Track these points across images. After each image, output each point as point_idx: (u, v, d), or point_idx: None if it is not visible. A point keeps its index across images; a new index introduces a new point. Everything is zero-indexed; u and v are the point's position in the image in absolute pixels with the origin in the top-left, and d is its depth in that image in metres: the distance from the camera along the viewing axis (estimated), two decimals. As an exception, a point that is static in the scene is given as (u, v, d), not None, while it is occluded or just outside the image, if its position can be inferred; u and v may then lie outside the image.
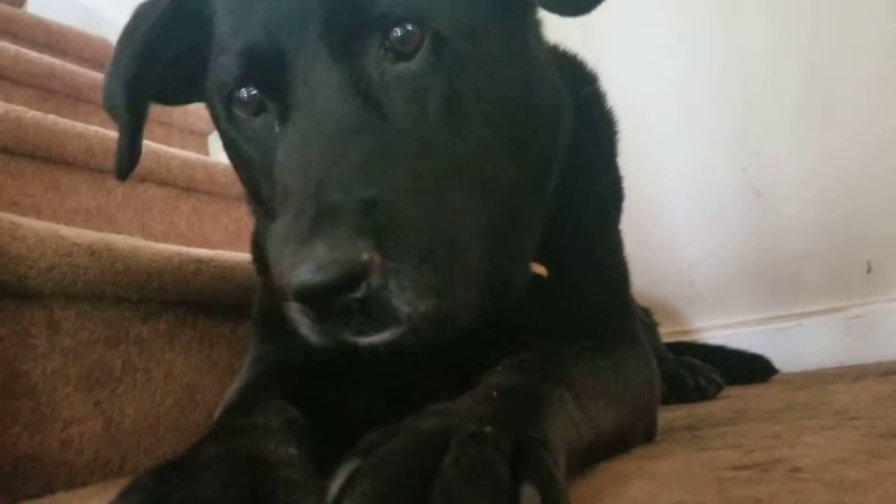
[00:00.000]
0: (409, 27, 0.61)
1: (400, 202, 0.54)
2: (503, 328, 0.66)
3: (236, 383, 0.80)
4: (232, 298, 1.23)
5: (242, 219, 1.87)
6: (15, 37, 2.29)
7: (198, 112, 2.33)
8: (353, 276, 0.49)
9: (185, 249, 1.21)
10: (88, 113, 2.01)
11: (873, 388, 1.13)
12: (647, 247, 1.96)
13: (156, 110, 0.82)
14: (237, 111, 0.67)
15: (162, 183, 1.74)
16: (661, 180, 2.07)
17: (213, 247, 1.54)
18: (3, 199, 1.40)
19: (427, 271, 0.53)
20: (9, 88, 1.93)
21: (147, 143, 0.84)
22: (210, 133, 2.51)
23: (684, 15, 2.05)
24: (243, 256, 1.22)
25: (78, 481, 0.98)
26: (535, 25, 0.77)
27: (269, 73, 0.63)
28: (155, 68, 0.76)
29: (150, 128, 0.81)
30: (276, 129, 0.65)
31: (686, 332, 2.05)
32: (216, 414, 0.70)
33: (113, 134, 1.51)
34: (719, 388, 1.43)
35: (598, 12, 0.66)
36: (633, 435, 0.75)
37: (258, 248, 0.93)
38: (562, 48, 0.91)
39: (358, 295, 0.51)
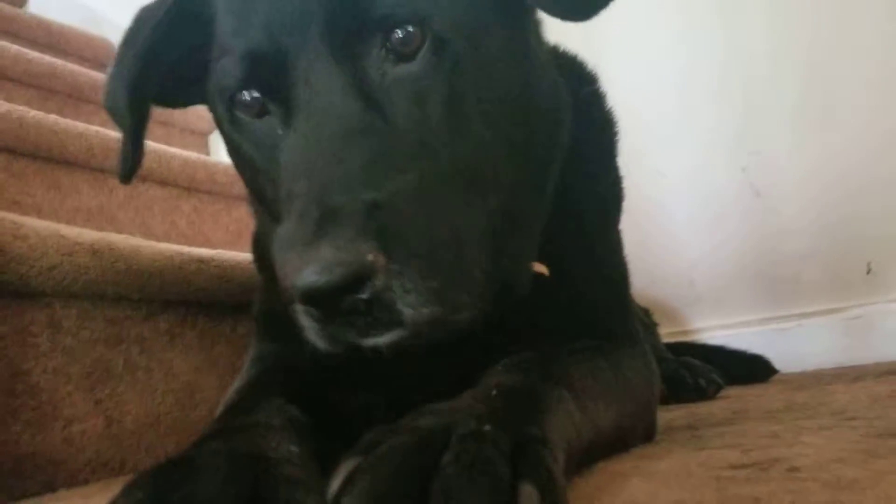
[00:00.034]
0: (411, 28, 0.61)
1: (403, 204, 0.54)
2: (503, 328, 0.66)
3: (237, 382, 0.80)
4: (232, 298, 1.24)
5: (243, 218, 1.88)
6: (16, 37, 2.30)
7: (198, 112, 2.33)
8: (359, 277, 0.50)
9: (185, 249, 1.22)
10: (89, 113, 2.01)
11: (872, 389, 1.14)
12: (647, 247, 1.96)
13: (156, 110, 0.82)
14: (239, 114, 0.68)
15: (163, 182, 1.75)
16: (661, 180, 2.07)
17: (213, 246, 1.54)
18: (5, 198, 1.40)
19: (431, 273, 0.54)
20: (10, 88, 1.94)
21: (148, 143, 0.84)
22: (210, 133, 2.51)
23: (684, 15, 2.06)
24: (244, 256, 1.22)
25: (79, 479, 0.98)
26: (535, 26, 0.77)
27: (270, 75, 0.63)
28: (157, 70, 0.76)
29: (150, 128, 0.81)
30: (279, 131, 0.65)
31: (686, 333, 2.05)
32: (217, 412, 0.70)
33: (114, 134, 1.52)
34: (719, 389, 1.43)
35: (598, 13, 0.66)
36: (633, 434, 0.75)
37: (259, 247, 0.93)
38: (562, 48, 0.91)
39: (363, 296, 0.51)
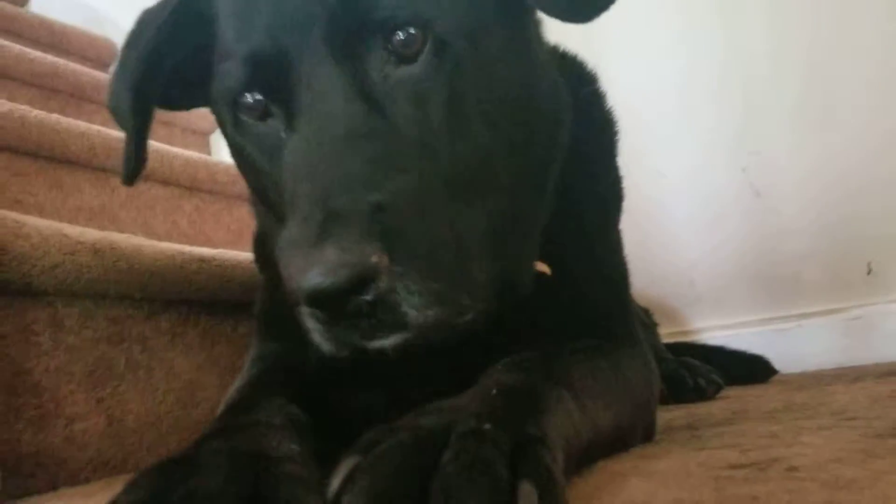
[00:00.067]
0: (412, 30, 0.61)
1: (405, 206, 0.54)
2: (504, 328, 0.67)
3: (238, 381, 0.80)
4: (234, 297, 1.24)
5: (244, 218, 1.88)
6: (18, 36, 2.30)
7: (200, 111, 2.34)
8: (363, 279, 0.50)
9: (187, 248, 1.22)
10: (92, 112, 2.02)
11: (871, 389, 1.14)
12: (647, 247, 1.96)
13: (159, 111, 0.83)
14: (243, 116, 0.68)
15: (164, 182, 1.75)
16: (661, 180, 2.07)
17: (215, 246, 1.55)
18: (7, 197, 1.41)
19: (434, 274, 0.54)
20: (12, 88, 1.94)
21: (150, 143, 0.84)
22: (212, 132, 2.52)
23: (684, 15, 2.06)
24: (245, 255, 1.22)
25: (81, 478, 0.99)
26: (536, 26, 0.78)
27: (272, 77, 0.64)
28: (160, 72, 0.76)
29: (152, 127, 0.82)
30: (282, 133, 0.65)
31: (686, 333, 2.05)
32: (218, 411, 0.71)
33: (116, 133, 1.52)
34: (718, 389, 1.43)
35: (598, 13, 0.66)
36: (632, 434, 0.75)
37: (260, 246, 0.94)
38: (562, 48, 0.91)
39: (368, 297, 0.51)
